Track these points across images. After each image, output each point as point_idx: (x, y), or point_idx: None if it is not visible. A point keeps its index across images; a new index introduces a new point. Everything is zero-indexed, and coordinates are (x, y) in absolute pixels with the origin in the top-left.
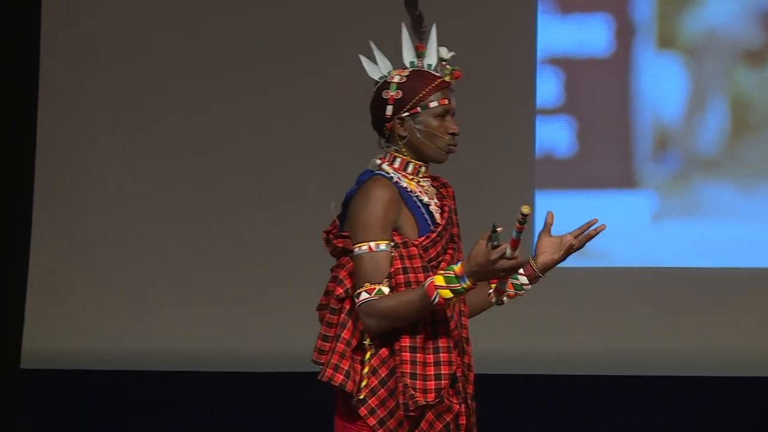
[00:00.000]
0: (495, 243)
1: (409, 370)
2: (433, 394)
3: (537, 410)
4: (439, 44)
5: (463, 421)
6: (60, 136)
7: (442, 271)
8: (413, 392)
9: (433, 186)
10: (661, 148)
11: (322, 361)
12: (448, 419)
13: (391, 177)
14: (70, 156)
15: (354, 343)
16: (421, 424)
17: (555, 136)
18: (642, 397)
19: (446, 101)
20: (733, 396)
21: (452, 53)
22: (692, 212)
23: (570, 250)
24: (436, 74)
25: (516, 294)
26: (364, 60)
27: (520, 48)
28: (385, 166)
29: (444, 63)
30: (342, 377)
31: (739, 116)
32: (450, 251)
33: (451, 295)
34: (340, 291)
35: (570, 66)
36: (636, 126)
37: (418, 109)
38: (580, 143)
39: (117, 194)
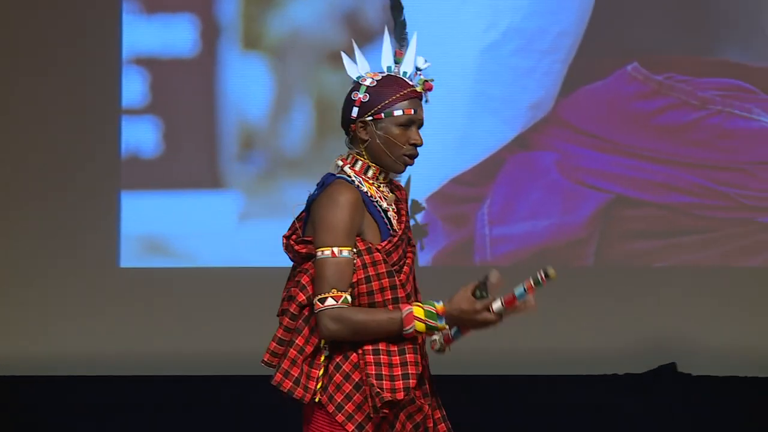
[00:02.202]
0: (482, 294)
1: (373, 371)
2: (402, 393)
3: None
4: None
5: (430, 423)
6: None
7: (423, 304)
8: (379, 391)
9: (390, 190)
10: (247, 149)
11: (274, 364)
12: (418, 420)
13: (353, 181)
14: None
15: (308, 350)
16: (396, 426)
17: (141, 136)
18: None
19: (411, 111)
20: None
21: (428, 64)
22: (278, 212)
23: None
24: (409, 82)
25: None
26: (345, 58)
27: (105, 48)
28: (347, 169)
29: (418, 72)
30: (290, 384)
31: (324, 117)
32: (410, 255)
33: (424, 330)
34: (302, 297)
35: (155, 66)
36: (222, 126)
37: (382, 115)
38: (166, 143)
39: None
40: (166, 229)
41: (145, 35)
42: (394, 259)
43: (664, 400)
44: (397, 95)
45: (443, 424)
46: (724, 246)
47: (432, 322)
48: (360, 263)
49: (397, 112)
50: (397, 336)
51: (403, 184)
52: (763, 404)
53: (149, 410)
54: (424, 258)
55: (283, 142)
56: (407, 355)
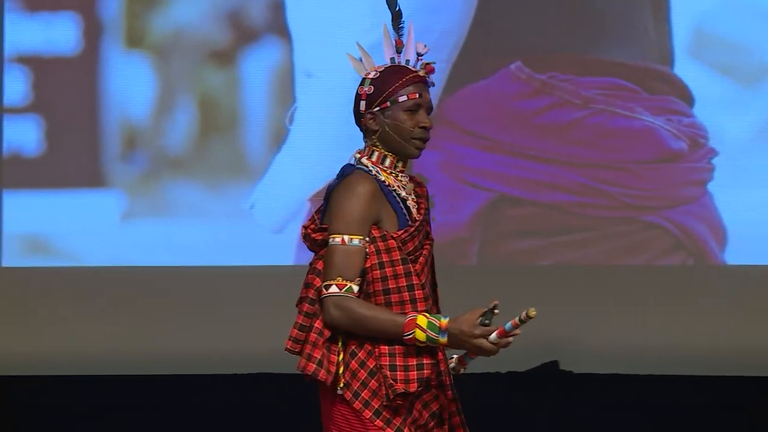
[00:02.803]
0: (485, 321)
1: (387, 362)
2: (415, 384)
3: None
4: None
5: (445, 415)
6: None
7: (429, 315)
8: (392, 382)
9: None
10: (130, 148)
11: (296, 350)
12: (434, 409)
13: (370, 171)
14: None
15: (326, 333)
16: (413, 413)
17: (22, 135)
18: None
19: (416, 95)
20: None
21: (427, 48)
22: (161, 211)
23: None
24: (411, 69)
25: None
26: (351, 59)
27: None
28: (364, 160)
29: (420, 57)
30: (314, 366)
31: (207, 116)
32: (427, 246)
33: (424, 340)
34: (318, 283)
35: (37, 64)
36: (104, 125)
37: (388, 103)
38: (49, 142)
39: None
40: (48, 228)
41: (27, 33)
42: (410, 249)
43: (546, 398)
44: (400, 82)
45: (458, 417)
46: (607, 244)
47: (433, 335)
48: (373, 249)
49: (402, 98)
50: (398, 337)
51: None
52: (645, 401)
53: (42, 411)
54: (306, 257)
55: (166, 142)
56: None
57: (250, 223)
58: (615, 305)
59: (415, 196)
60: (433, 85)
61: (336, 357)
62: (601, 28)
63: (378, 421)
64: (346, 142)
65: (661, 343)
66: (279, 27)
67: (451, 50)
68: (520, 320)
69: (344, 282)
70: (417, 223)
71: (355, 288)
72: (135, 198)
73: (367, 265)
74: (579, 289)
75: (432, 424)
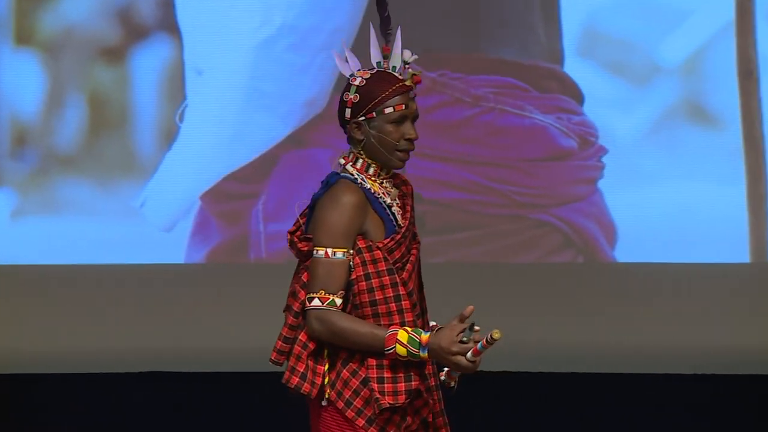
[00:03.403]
0: (464, 339)
1: (375, 375)
2: (403, 396)
3: None
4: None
5: (430, 419)
6: None
7: (410, 329)
8: (378, 396)
9: (395, 185)
10: (19, 146)
11: (281, 362)
12: (424, 414)
13: (356, 179)
14: None
15: (311, 346)
16: (407, 419)
17: None
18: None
19: (402, 107)
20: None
21: (415, 56)
22: (51, 209)
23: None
24: (398, 77)
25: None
26: (336, 58)
27: None
28: (349, 167)
29: (407, 66)
30: (297, 380)
31: (97, 113)
32: (414, 251)
33: (405, 355)
34: (303, 295)
35: None
36: None
37: (374, 114)
38: None
39: None
40: None
41: None
42: (397, 257)
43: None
44: (387, 92)
45: (441, 418)
46: (498, 242)
47: (413, 350)
48: (359, 261)
49: (388, 110)
50: (380, 351)
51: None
52: (528, 399)
53: None
54: (197, 255)
55: (56, 139)
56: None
57: (141, 222)
58: (506, 303)
59: (401, 197)
60: (415, 96)
61: (323, 368)
62: (492, 27)
63: (371, 428)
64: (237, 140)
65: (552, 340)
66: (169, 24)
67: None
68: (487, 341)
69: (327, 295)
70: (403, 229)
71: (338, 301)
72: (25, 196)
73: (353, 277)
74: (471, 287)
75: (422, 430)
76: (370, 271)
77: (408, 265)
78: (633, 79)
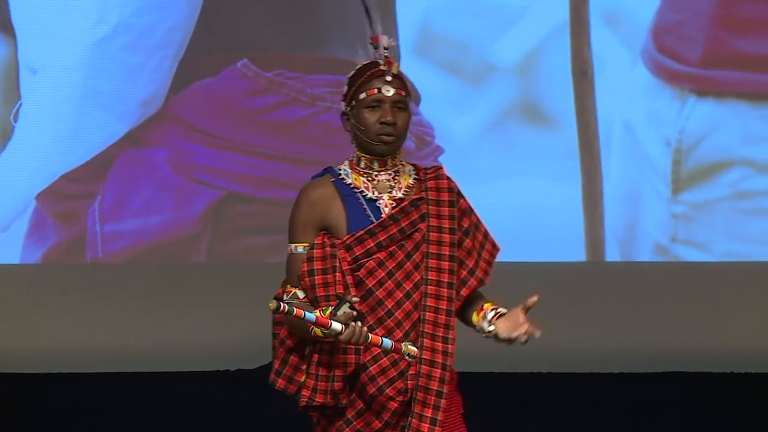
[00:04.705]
0: (336, 311)
1: (313, 371)
2: (322, 396)
3: None
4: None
5: (386, 416)
6: None
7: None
8: (301, 393)
9: (417, 178)
10: None
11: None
12: (359, 427)
13: (339, 173)
14: None
15: (289, 342)
16: (383, 415)
17: None
18: None
19: (375, 91)
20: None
21: (392, 42)
22: None
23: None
24: (376, 63)
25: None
26: (359, 57)
27: None
28: (345, 162)
29: (385, 50)
30: (284, 382)
31: None
32: (392, 248)
33: (321, 334)
34: (280, 291)
35: None
36: None
37: (353, 102)
38: None
39: None
40: None
41: None
42: (357, 253)
43: (275, 396)
44: (362, 79)
45: (427, 425)
46: None
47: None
48: (308, 256)
49: (362, 96)
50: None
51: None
52: None
53: None
54: (33, 256)
55: None
56: (347, 356)
57: None
58: None
59: (423, 190)
60: (391, 79)
61: (305, 364)
62: (329, 26)
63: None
64: (73, 139)
65: None
66: (3, 22)
67: (179, 47)
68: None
69: (291, 288)
70: (373, 225)
71: (301, 294)
72: None
73: (303, 270)
74: None
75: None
76: (316, 267)
77: (370, 262)
78: (469, 79)
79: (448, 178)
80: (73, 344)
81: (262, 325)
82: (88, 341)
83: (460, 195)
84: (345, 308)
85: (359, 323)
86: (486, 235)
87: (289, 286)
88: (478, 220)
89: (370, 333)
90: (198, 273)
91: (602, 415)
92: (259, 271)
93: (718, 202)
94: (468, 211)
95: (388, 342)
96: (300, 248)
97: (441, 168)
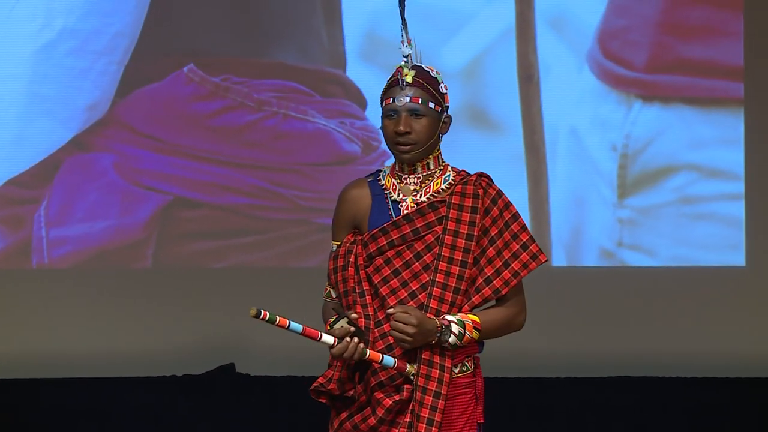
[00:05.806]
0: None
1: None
2: (313, 390)
3: None
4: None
5: (381, 413)
6: None
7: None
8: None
9: (452, 183)
10: None
11: None
12: (380, 414)
13: (378, 173)
14: None
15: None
16: (377, 411)
17: None
18: None
19: (390, 100)
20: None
21: (410, 51)
22: None
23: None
24: (397, 72)
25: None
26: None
27: None
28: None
29: (404, 59)
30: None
31: None
32: (401, 247)
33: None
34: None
35: None
36: None
37: (382, 111)
38: None
39: None
40: None
41: None
42: (371, 250)
43: (222, 401)
44: (384, 88)
45: (423, 425)
46: (281, 247)
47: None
48: (333, 255)
49: (384, 105)
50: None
51: None
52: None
53: None
54: None
55: None
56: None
57: None
58: (291, 307)
59: (455, 194)
60: (403, 87)
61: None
62: (276, 31)
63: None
64: (18, 145)
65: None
66: None
67: (124, 52)
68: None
69: (326, 287)
70: (386, 224)
71: (334, 293)
72: None
73: (330, 268)
74: (255, 292)
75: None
76: (339, 264)
77: (377, 259)
78: None
79: (485, 186)
80: (19, 349)
81: (208, 330)
82: (34, 346)
83: (494, 203)
84: (342, 322)
85: (355, 339)
86: (525, 245)
87: (327, 283)
88: (520, 229)
89: (368, 349)
90: (144, 278)
91: (550, 421)
92: (205, 276)
93: (664, 207)
94: (498, 219)
95: (389, 359)
96: (334, 246)
97: (481, 175)
